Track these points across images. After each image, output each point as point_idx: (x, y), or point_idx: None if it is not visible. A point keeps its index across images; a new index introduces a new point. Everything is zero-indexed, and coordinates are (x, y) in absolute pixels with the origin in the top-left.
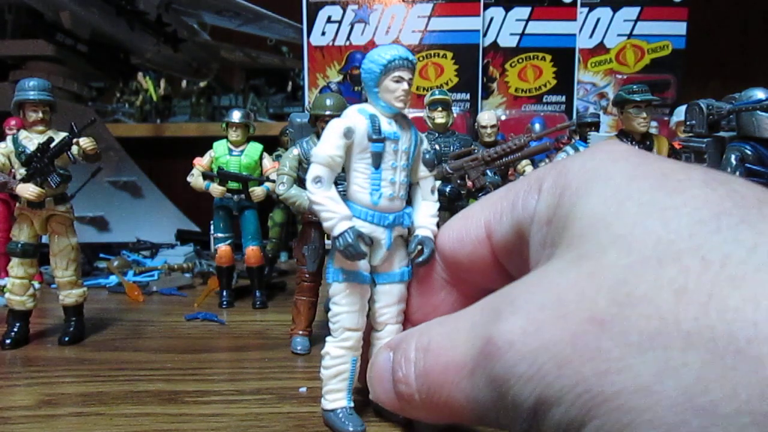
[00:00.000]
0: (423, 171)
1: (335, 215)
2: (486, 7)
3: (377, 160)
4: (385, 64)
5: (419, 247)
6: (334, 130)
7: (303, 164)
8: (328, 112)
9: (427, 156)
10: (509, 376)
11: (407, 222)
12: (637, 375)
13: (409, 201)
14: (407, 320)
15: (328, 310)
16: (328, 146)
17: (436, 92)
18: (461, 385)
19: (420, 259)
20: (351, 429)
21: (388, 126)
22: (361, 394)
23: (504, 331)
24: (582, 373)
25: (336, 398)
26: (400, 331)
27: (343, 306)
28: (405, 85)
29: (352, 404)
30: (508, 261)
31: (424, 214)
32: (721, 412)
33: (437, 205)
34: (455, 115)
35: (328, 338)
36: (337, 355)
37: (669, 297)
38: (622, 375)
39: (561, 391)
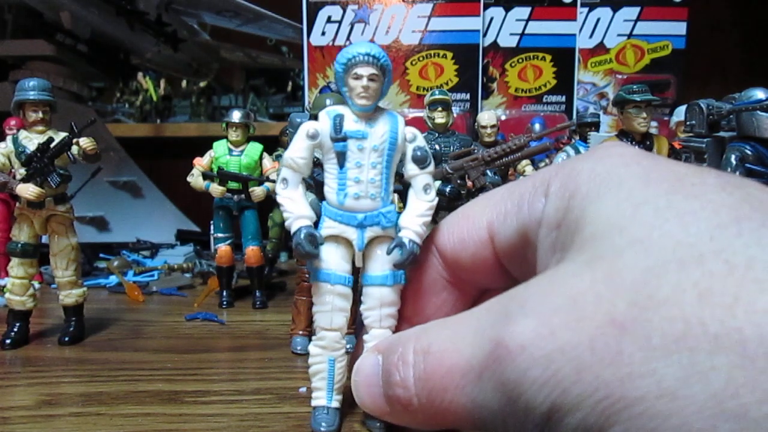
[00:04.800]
0: (413, 169)
1: (291, 215)
2: (486, 7)
3: (341, 159)
4: (345, 63)
5: (396, 249)
6: (300, 132)
7: None
8: None
9: (418, 153)
10: (522, 380)
11: (385, 223)
12: (662, 379)
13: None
14: (409, 323)
15: None
16: (292, 148)
17: (436, 92)
18: (466, 389)
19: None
20: (319, 428)
21: (353, 124)
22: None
23: (515, 333)
24: (602, 378)
25: (318, 396)
26: (385, 336)
27: (317, 305)
28: (364, 82)
29: (334, 404)
30: (512, 264)
31: (410, 214)
32: (752, 416)
33: (430, 204)
34: (455, 115)
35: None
36: (315, 353)
37: (693, 299)
38: (645, 379)
39: (579, 396)
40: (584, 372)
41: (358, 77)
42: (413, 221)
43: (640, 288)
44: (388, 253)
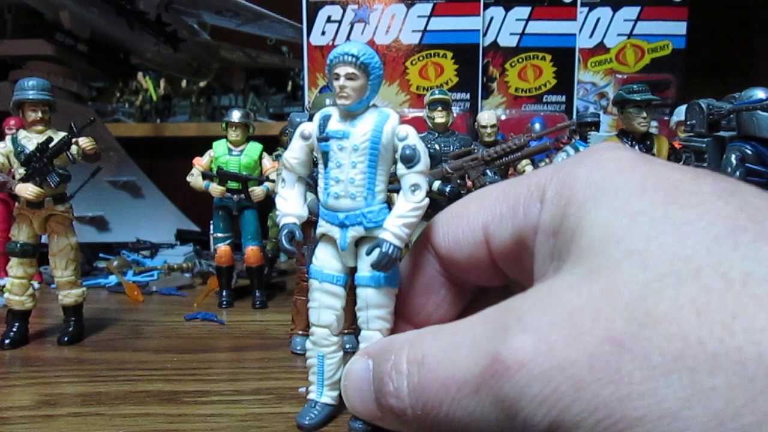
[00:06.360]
0: (401, 168)
1: (279, 212)
2: (486, 6)
3: (325, 159)
4: (328, 65)
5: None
6: (296, 132)
7: None
8: None
9: (407, 151)
10: (520, 397)
11: (366, 223)
12: (662, 400)
13: None
14: (409, 323)
15: None
16: (288, 149)
17: (436, 92)
18: (463, 403)
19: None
20: (303, 422)
21: (336, 124)
22: None
23: (513, 349)
24: (602, 397)
25: (312, 390)
26: (374, 339)
27: (309, 301)
28: (341, 81)
29: (325, 399)
30: (507, 265)
31: (392, 215)
32: None
33: (415, 205)
34: (455, 114)
35: None
36: (308, 348)
37: (691, 316)
38: (645, 400)
39: (579, 415)
40: (583, 390)
41: (337, 77)
42: (392, 222)
43: (638, 304)
44: (367, 254)
